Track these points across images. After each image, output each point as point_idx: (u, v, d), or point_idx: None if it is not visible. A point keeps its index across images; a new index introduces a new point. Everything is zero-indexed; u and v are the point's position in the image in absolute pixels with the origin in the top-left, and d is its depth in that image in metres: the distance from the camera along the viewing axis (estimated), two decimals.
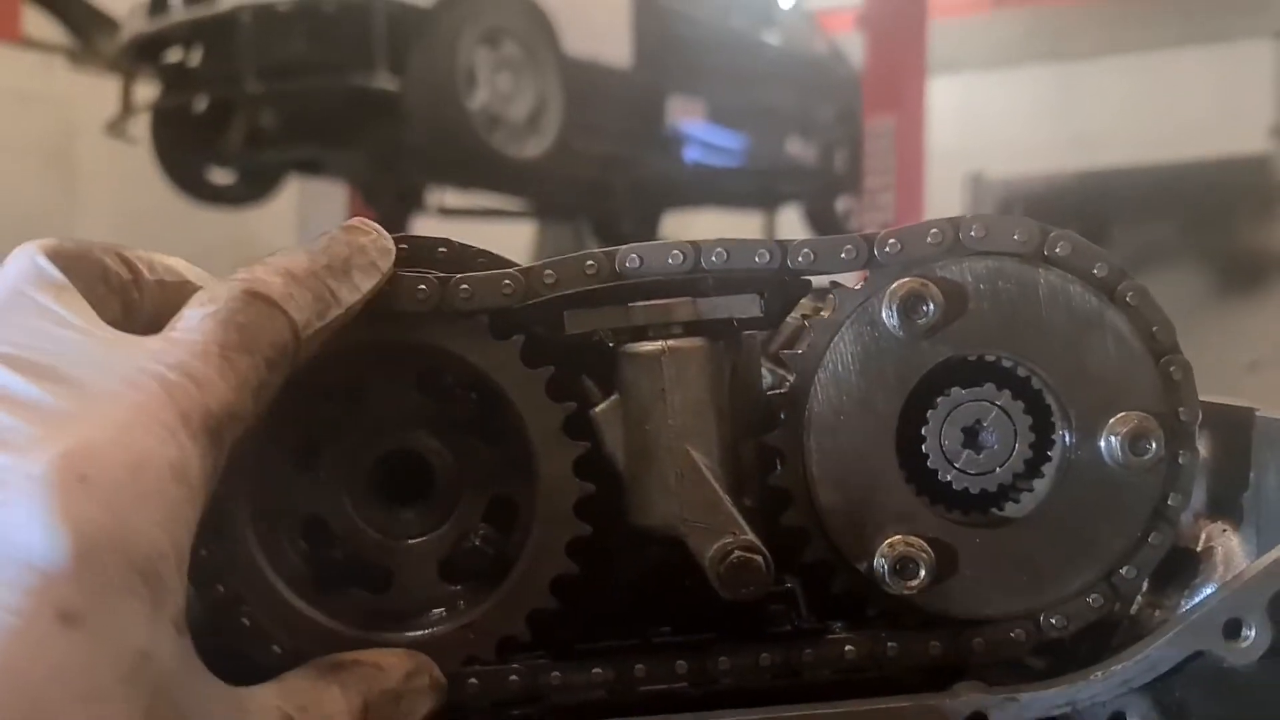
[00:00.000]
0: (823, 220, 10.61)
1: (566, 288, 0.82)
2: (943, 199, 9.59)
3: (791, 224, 11.14)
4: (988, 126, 13.29)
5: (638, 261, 0.81)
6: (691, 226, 11.49)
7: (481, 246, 0.89)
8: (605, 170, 8.24)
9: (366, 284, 0.75)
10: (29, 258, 0.65)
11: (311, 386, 0.85)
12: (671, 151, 8.58)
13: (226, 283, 0.68)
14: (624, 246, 0.81)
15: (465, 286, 0.81)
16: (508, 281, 0.81)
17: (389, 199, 8.55)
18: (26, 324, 0.61)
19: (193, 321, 0.64)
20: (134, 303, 0.70)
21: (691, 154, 8.75)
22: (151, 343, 0.63)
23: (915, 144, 9.06)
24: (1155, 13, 13.22)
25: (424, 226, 8.71)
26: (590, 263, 0.81)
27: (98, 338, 0.62)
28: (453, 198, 8.88)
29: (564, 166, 7.59)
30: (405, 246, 0.86)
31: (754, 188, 10.13)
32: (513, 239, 10.22)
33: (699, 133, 8.66)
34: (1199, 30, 13.05)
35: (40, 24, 8.35)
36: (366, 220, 0.78)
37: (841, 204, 10.63)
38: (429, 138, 6.71)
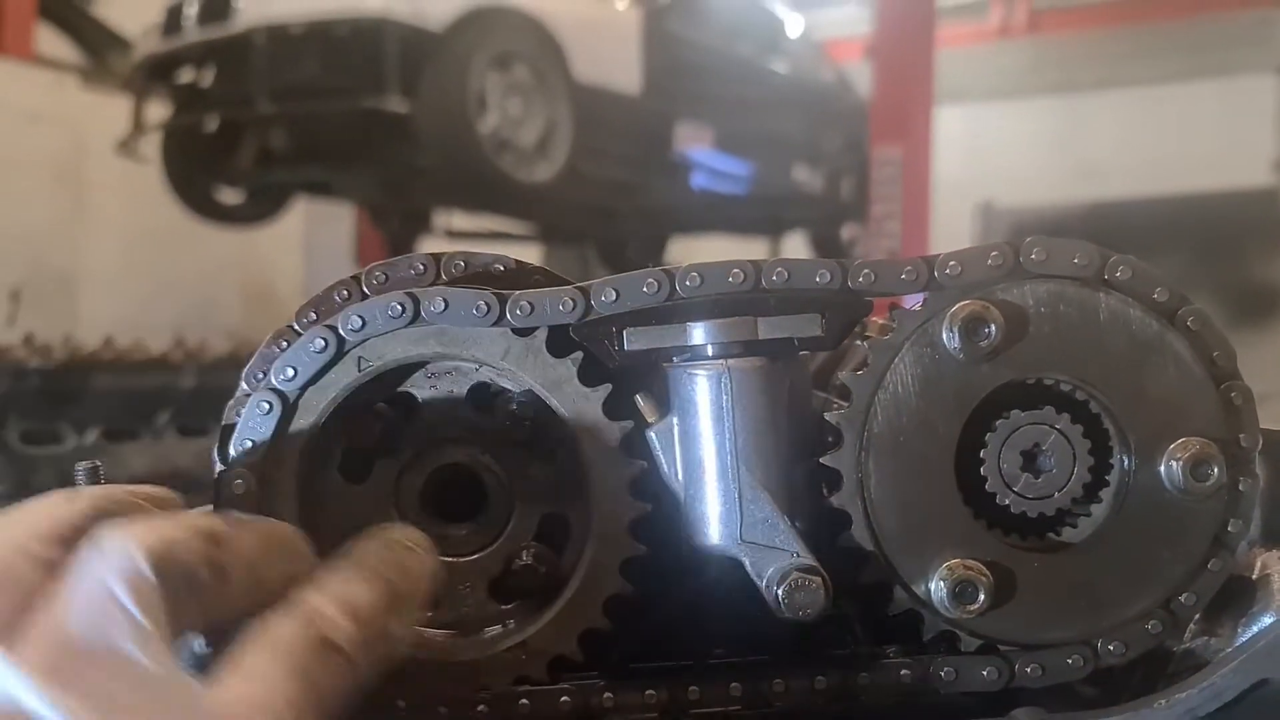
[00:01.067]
0: (828, 248, 10.63)
1: (626, 305, 0.81)
2: (946, 227, 9.62)
3: (796, 251, 11.16)
4: (993, 156, 13.34)
5: (698, 280, 0.81)
6: (697, 253, 11.52)
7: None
8: (613, 195, 8.26)
9: (413, 619, 0.74)
10: (127, 554, 0.63)
11: (363, 401, 0.85)
12: (679, 178, 8.60)
13: (294, 616, 0.66)
14: (685, 264, 0.81)
15: (525, 303, 0.81)
16: (568, 299, 0.81)
17: (396, 220, 8.58)
18: (107, 653, 0.60)
19: (261, 667, 0.63)
20: (213, 607, 0.68)
21: (698, 180, 8.77)
22: (222, 695, 0.61)
23: (922, 173, 9.10)
24: (1159, 46, 13.29)
25: (431, 249, 8.70)
26: (650, 281, 0.81)
27: (171, 685, 0.60)
28: (460, 220, 8.90)
29: (572, 191, 7.61)
30: (462, 264, 0.86)
31: (760, 215, 10.15)
32: None
33: (706, 159, 8.68)
34: (1202, 64, 13.12)
35: (53, 43, 8.39)
36: (413, 534, 0.77)
37: (847, 231, 10.65)
38: (439, 160, 6.74)
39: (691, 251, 11.41)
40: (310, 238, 10.25)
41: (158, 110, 7.42)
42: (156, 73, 7.19)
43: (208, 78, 7.07)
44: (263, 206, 8.17)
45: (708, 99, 8.55)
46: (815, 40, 10.71)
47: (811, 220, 10.53)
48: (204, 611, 0.65)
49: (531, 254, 10.21)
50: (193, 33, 6.84)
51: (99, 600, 0.61)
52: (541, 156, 7.15)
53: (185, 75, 7.19)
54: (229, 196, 7.90)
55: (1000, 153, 13.57)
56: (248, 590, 0.68)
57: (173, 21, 6.94)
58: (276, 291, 9.88)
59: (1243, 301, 9.20)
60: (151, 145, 7.48)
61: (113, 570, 0.61)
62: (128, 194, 8.72)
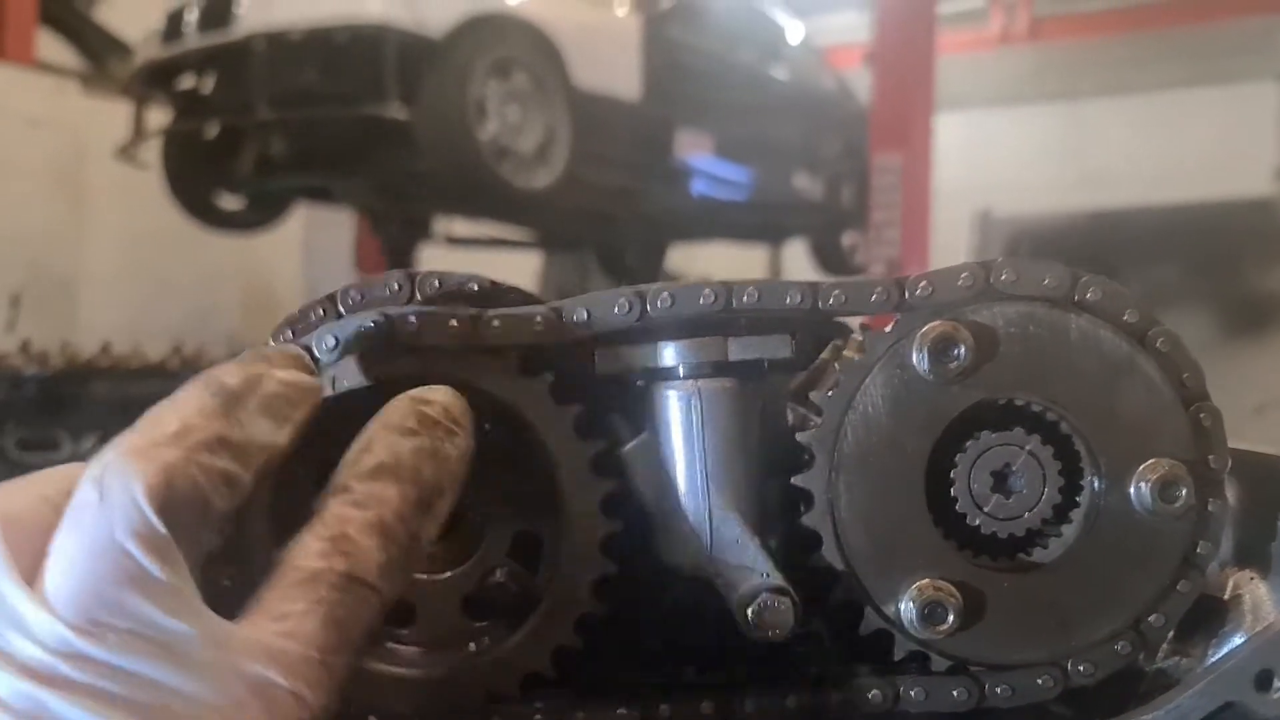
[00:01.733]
0: (828, 255, 10.64)
1: (598, 326, 0.82)
2: (947, 235, 9.62)
3: (797, 258, 11.17)
4: (993, 163, 13.34)
5: (669, 301, 0.81)
6: (697, 259, 11.54)
7: (496, 278, 0.89)
8: (612, 202, 8.27)
9: (444, 515, 0.70)
10: (132, 501, 0.59)
11: (339, 414, 0.85)
12: (678, 184, 8.61)
13: (323, 547, 0.63)
14: (655, 285, 0.81)
15: (496, 323, 0.81)
16: (539, 319, 0.81)
17: (396, 227, 8.59)
18: (135, 607, 0.58)
19: (293, 612, 0.61)
20: (230, 515, 0.65)
21: (698, 187, 8.78)
22: (256, 646, 0.59)
23: (922, 180, 9.10)
24: (1160, 54, 13.29)
25: (431, 255, 8.74)
26: (622, 301, 0.81)
27: (206, 635, 0.59)
28: (460, 227, 8.92)
29: (571, 198, 7.61)
30: (437, 282, 0.86)
31: (760, 221, 10.17)
32: (518, 269, 10.26)
33: (706, 166, 8.69)
34: (1203, 72, 13.13)
35: (54, 48, 8.40)
36: (449, 400, 0.72)
37: (847, 239, 10.65)
38: (438, 167, 6.75)
39: (691, 258, 11.43)
40: (310, 243, 10.27)
41: (158, 116, 7.44)
42: (157, 79, 7.22)
43: (208, 84, 7.09)
44: (262, 212, 8.19)
45: (708, 105, 8.56)
46: (816, 47, 10.71)
47: (812, 227, 10.53)
48: (223, 525, 0.63)
49: (531, 261, 10.22)
50: (193, 39, 6.86)
51: (113, 559, 0.58)
52: (541, 163, 7.16)
53: (186, 81, 7.21)
54: (229, 202, 7.91)
55: (1001, 160, 13.58)
56: (266, 466, 0.66)
57: (173, 28, 6.97)
58: (276, 297, 9.90)
59: (1243, 311, 9.21)
60: (152, 151, 7.50)
61: (121, 524, 0.58)
62: (128, 199, 8.73)
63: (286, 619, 0.61)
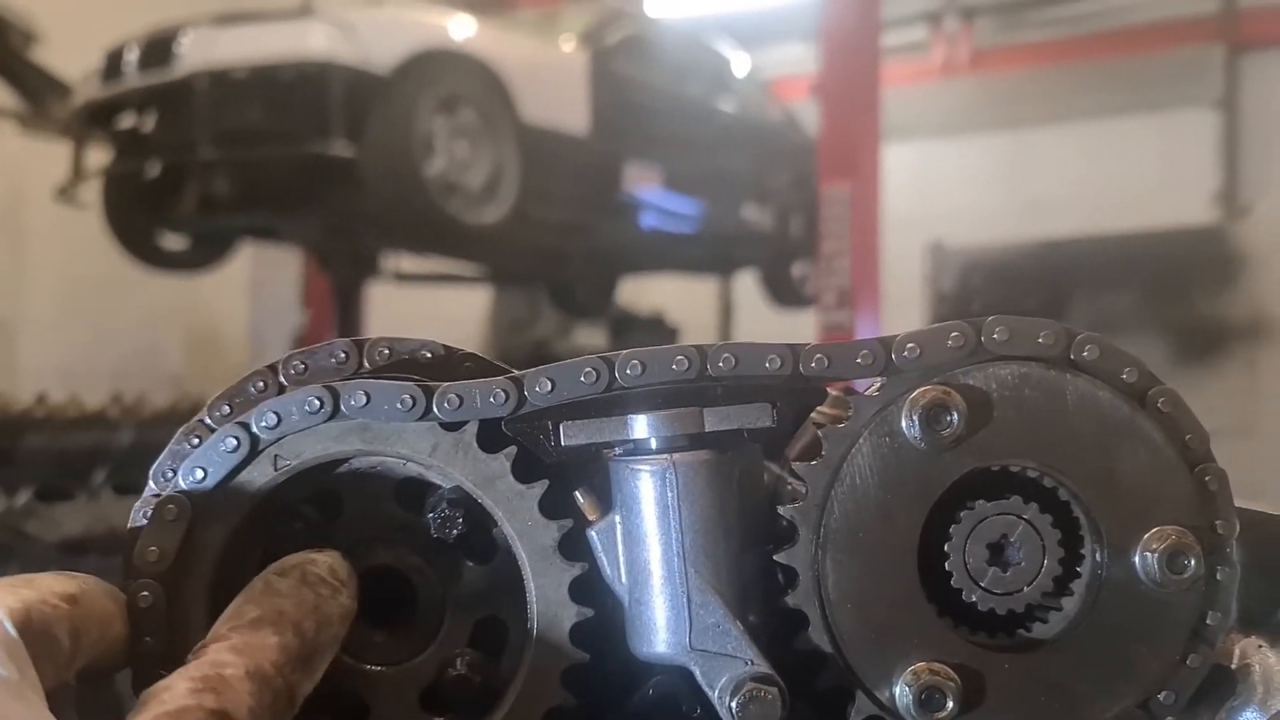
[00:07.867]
0: (779, 286, 10.65)
1: (562, 397, 0.76)
2: (897, 265, 9.66)
3: (747, 289, 11.18)
4: (940, 193, 13.47)
5: (639, 369, 0.75)
6: (648, 293, 11.52)
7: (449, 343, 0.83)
8: (562, 237, 8.22)
9: (322, 670, 0.73)
10: None
11: (282, 500, 0.79)
12: (628, 218, 8.58)
13: (194, 682, 0.62)
14: (625, 352, 0.75)
15: (453, 396, 0.75)
16: (499, 391, 0.75)
17: (344, 265, 8.48)
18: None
19: None
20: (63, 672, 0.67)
21: (648, 220, 8.75)
22: None
23: (871, 210, 9.13)
24: (1098, 82, 13.50)
25: (379, 293, 8.64)
26: (588, 370, 0.75)
27: None
28: (408, 263, 8.82)
29: (520, 233, 7.55)
30: (387, 351, 0.80)
31: (710, 253, 10.17)
32: (468, 305, 10.18)
33: (655, 199, 8.67)
34: (1141, 100, 13.35)
35: None
36: (335, 564, 0.75)
37: (797, 269, 10.66)
38: (385, 204, 6.66)
39: (642, 292, 11.40)
40: (257, 282, 10.11)
41: (98, 156, 7.29)
42: (96, 118, 7.07)
43: (149, 123, 6.95)
44: (207, 252, 8.04)
45: (656, 139, 8.55)
46: (762, 79, 10.76)
47: (761, 258, 10.54)
48: (58, 672, 0.64)
49: (480, 297, 10.14)
50: (133, 78, 6.73)
51: None
52: (489, 199, 7.10)
53: (126, 121, 7.07)
54: (172, 243, 7.77)
55: (947, 190, 13.70)
56: (98, 647, 0.68)
57: (113, 67, 6.84)
58: (222, 337, 9.75)
59: (1194, 338, 9.28)
60: (92, 191, 7.35)
61: None
62: (67, 241, 8.56)
63: None
